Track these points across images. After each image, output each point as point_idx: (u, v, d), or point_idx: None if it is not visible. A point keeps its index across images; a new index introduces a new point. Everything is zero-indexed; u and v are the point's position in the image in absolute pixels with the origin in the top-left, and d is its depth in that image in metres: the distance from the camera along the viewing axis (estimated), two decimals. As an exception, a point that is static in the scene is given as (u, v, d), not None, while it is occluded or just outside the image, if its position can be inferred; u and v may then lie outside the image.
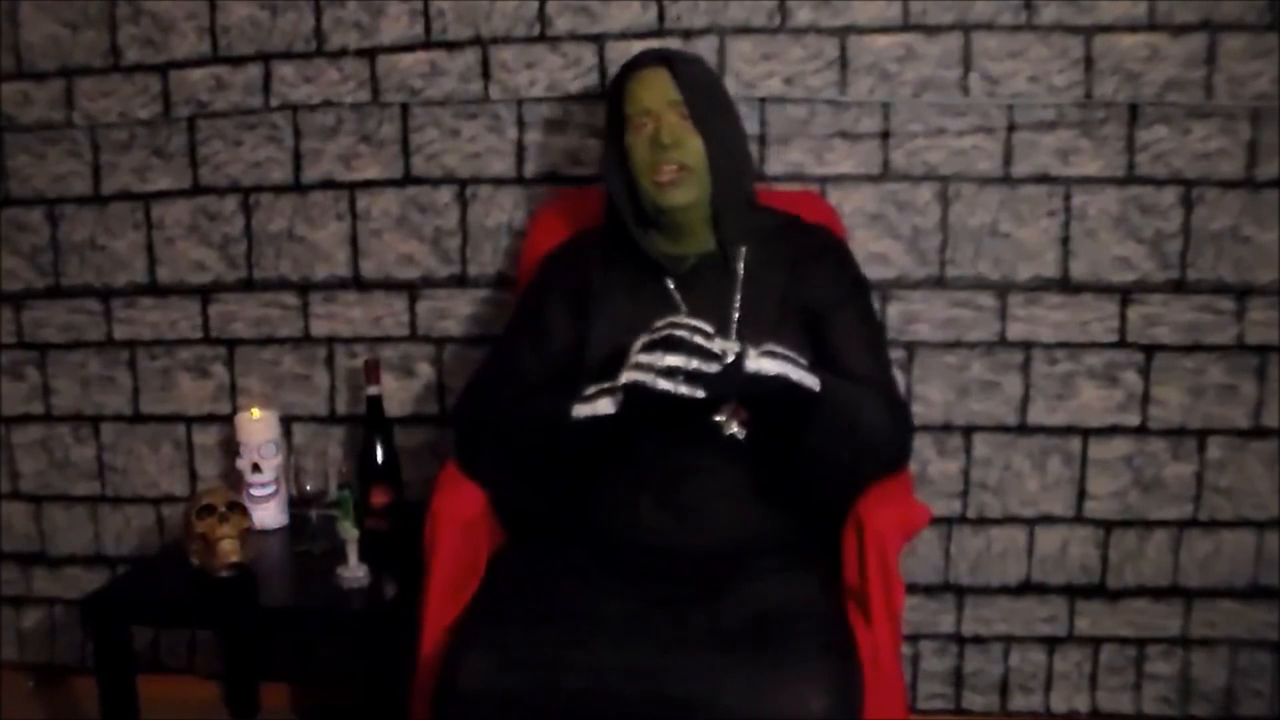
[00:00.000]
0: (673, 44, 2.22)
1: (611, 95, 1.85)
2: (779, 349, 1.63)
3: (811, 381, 1.63)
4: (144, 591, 2.09)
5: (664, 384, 1.58)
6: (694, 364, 1.57)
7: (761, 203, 1.95)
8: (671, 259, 1.85)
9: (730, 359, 1.58)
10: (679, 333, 1.59)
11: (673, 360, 1.57)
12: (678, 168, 1.78)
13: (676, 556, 1.72)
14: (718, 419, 1.73)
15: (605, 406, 1.66)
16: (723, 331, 1.77)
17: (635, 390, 1.61)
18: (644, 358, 1.60)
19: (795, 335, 1.79)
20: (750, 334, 1.77)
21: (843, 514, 1.78)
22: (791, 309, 1.83)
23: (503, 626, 1.61)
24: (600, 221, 1.94)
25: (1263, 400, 2.24)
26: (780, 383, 1.60)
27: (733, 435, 1.74)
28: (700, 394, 1.57)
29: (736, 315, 1.82)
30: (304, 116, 2.37)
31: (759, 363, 1.59)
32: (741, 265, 1.86)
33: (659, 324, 1.62)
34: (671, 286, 1.85)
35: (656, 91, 1.78)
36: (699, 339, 1.58)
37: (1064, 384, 2.27)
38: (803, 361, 1.64)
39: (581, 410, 1.68)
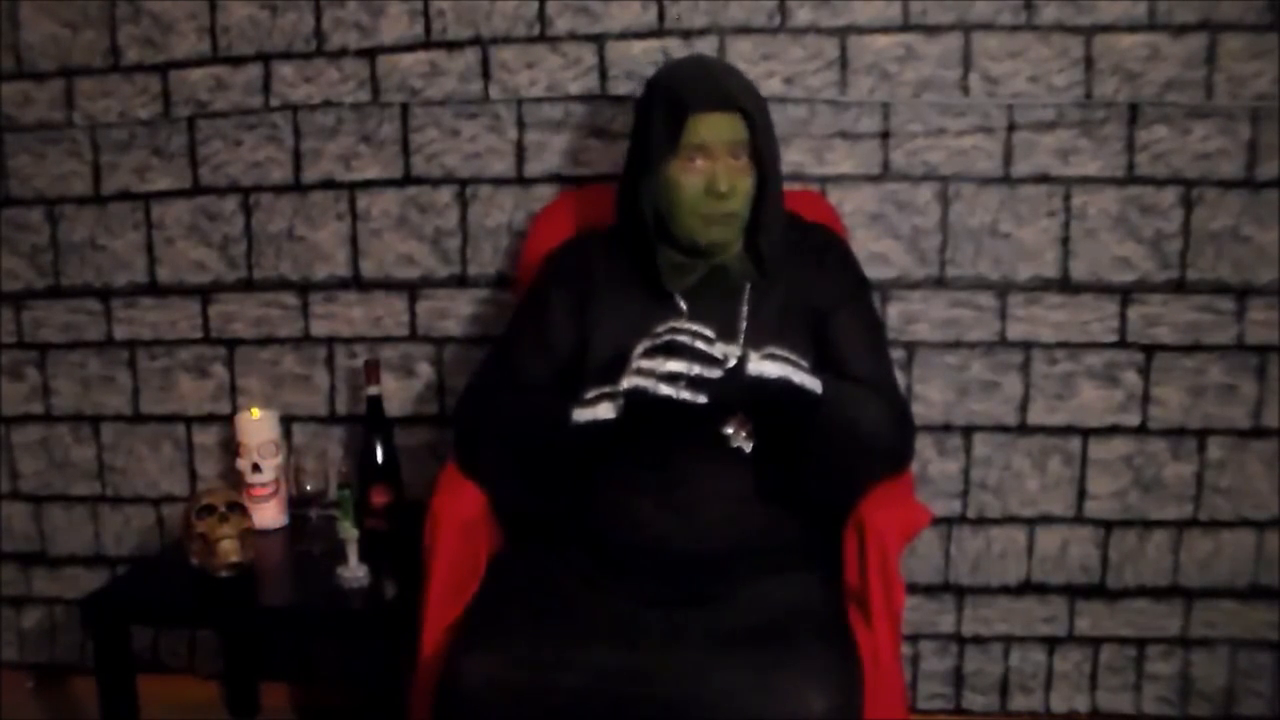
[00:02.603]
0: (673, 44, 2.22)
1: (662, 122, 1.75)
2: (780, 351, 1.63)
3: (814, 384, 1.63)
4: (144, 591, 2.09)
5: (665, 389, 1.57)
6: (695, 370, 1.57)
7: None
8: (681, 271, 1.84)
9: (732, 363, 1.58)
10: (681, 338, 1.58)
11: (674, 366, 1.57)
12: (729, 214, 1.76)
13: (677, 558, 1.72)
14: (725, 431, 1.73)
15: (605, 411, 1.66)
16: (729, 335, 1.76)
17: (636, 395, 1.60)
18: (645, 363, 1.60)
19: (798, 336, 1.79)
20: (753, 336, 1.77)
21: (843, 515, 1.78)
22: (794, 310, 1.83)
23: (503, 627, 1.61)
24: (605, 221, 1.94)
25: (1263, 400, 2.24)
26: (782, 386, 1.60)
27: (738, 446, 1.74)
28: (702, 399, 1.57)
29: (744, 325, 1.81)
30: (304, 116, 2.37)
31: (761, 366, 1.59)
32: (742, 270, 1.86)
33: (660, 329, 1.62)
34: (676, 294, 1.84)
35: (721, 135, 1.73)
36: (700, 344, 1.58)
37: (1064, 384, 2.27)
38: (804, 364, 1.64)
39: (582, 414, 1.68)
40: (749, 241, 1.84)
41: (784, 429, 1.67)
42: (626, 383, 1.61)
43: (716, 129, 1.73)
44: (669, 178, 1.76)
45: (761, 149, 1.76)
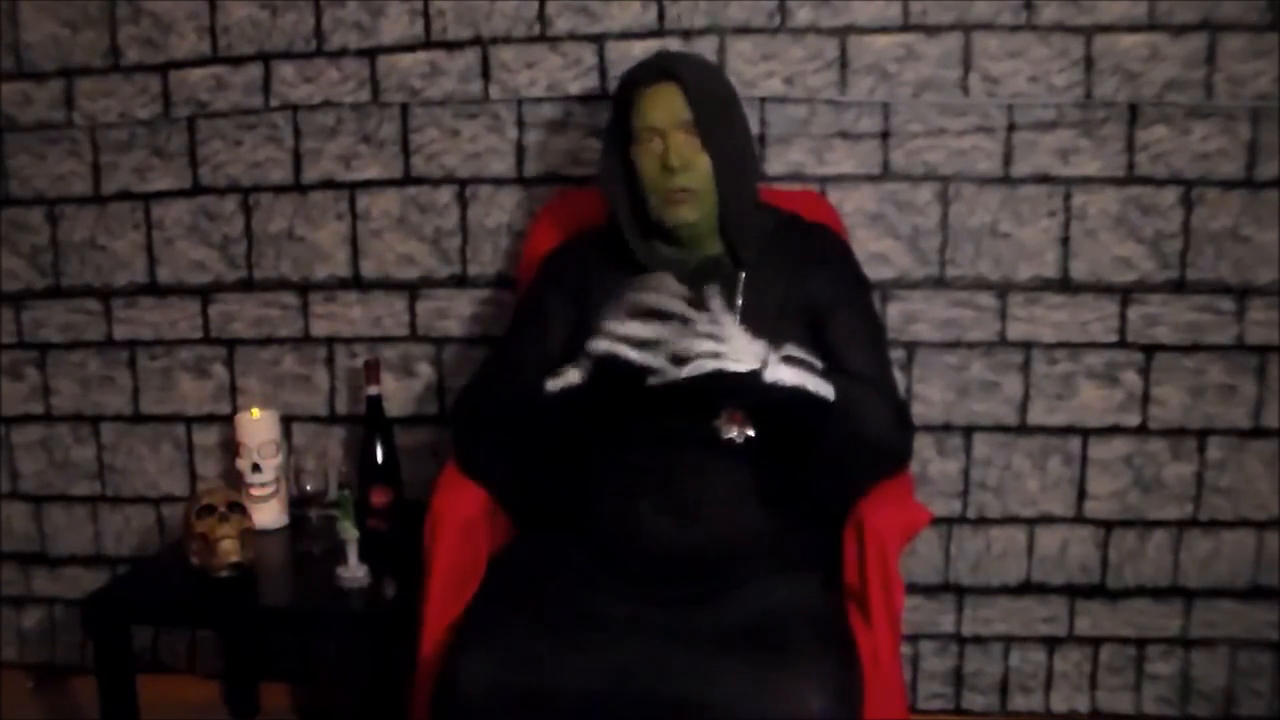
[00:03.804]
0: (673, 44, 2.22)
1: (617, 105, 1.83)
2: (798, 353, 1.62)
3: (827, 391, 1.62)
4: (144, 591, 2.09)
5: (634, 355, 1.57)
6: (665, 334, 1.55)
7: (762, 201, 1.95)
8: (673, 266, 1.84)
9: (753, 364, 1.56)
10: (656, 300, 1.57)
11: (648, 333, 1.56)
12: (685, 190, 1.77)
13: (676, 558, 1.72)
14: (716, 424, 1.73)
15: (573, 376, 1.67)
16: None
17: (600, 360, 1.60)
18: (620, 330, 1.59)
19: (795, 335, 1.78)
20: (750, 329, 1.77)
21: (843, 515, 1.78)
22: (792, 309, 1.83)
23: (503, 626, 1.61)
24: (601, 222, 1.94)
25: (1263, 400, 2.24)
26: (798, 395, 1.60)
27: (731, 439, 1.74)
28: (681, 373, 1.54)
29: (738, 315, 1.82)
30: (304, 116, 2.37)
31: (778, 372, 1.59)
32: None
33: (632, 291, 1.61)
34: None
35: (666, 110, 1.77)
36: (676, 307, 1.56)
37: (1064, 384, 2.27)
38: (819, 366, 1.64)
39: (554, 384, 1.68)
40: (728, 240, 1.85)
41: (787, 430, 1.67)
42: (594, 346, 1.60)
43: (662, 105, 1.77)
44: (633, 161, 1.81)
45: (706, 125, 1.77)
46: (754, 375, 1.57)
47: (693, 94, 1.77)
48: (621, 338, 1.58)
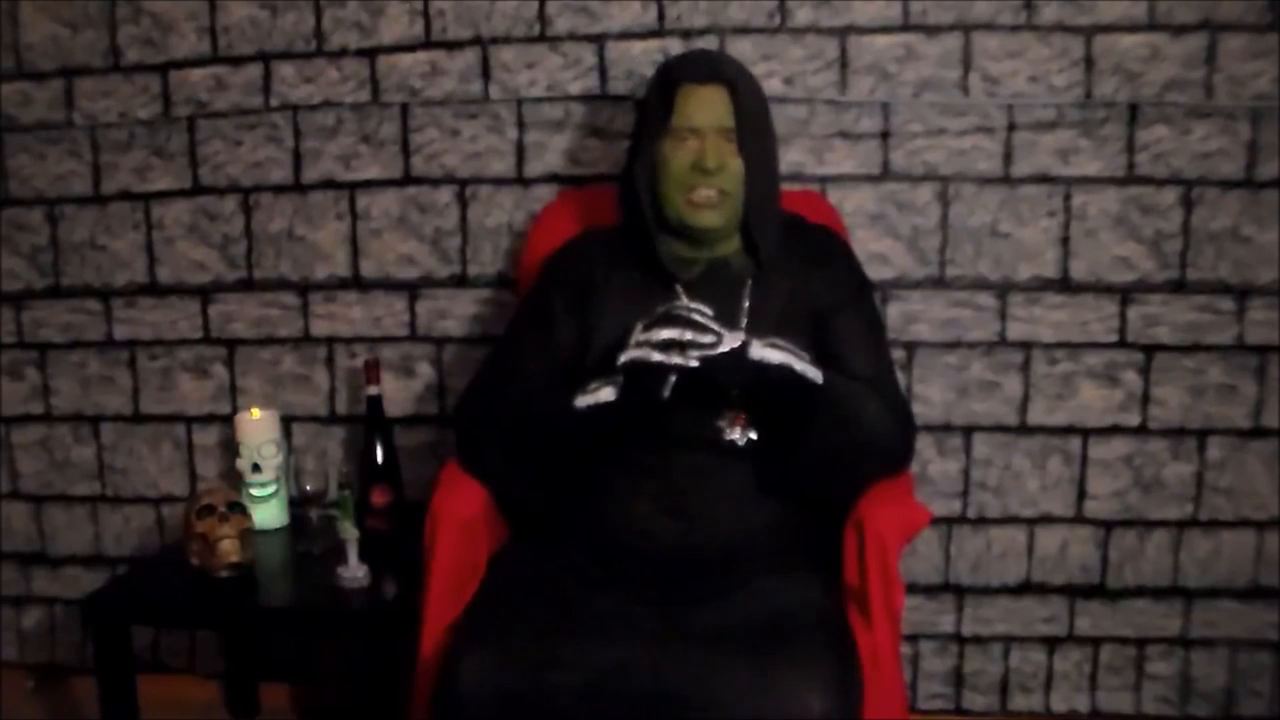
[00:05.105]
0: (673, 44, 2.22)
1: (656, 97, 1.81)
2: (782, 342, 1.65)
3: (814, 374, 1.64)
4: (144, 591, 2.09)
5: (658, 356, 1.60)
6: (689, 335, 1.59)
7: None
8: (683, 264, 1.85)
9: (736, 344, 1.61)
10: (677, 311, 1.62)
11: (668, 333, 1.60)
12: (716, 193, 1.78)
13: (676, 558, 1.72)
14: (719, 424, 1.73)
15: (607, 394, 1.68)
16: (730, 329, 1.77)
17: (635, 372, 1.62)
18: (641, 336, 1.63)
19: (800, 336, 1.79)
20: (754, 332, 1.78)
21: (843, 514, 1.78)
22: (797, 310, 1.83)
23: (503, 626, 1.61)
24: (605, 221, 1.94)
25: (1263, 400, 2.24)
26: (784, 373, 1.62)
27: (733, 441, 1.74)
28: (694, 363, 1.59)
29: (745, 321, 1.82)
30: (304, 116, 2.37)
31: (763, 351, 1.62)
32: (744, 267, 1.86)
33: (659, 309, 1.65)
34: (679, 289, 1.85)
35: (711, 112, 1.76)
36: (697, 317, 1.61)
37: (1064, 384, 2.27)
38: (805, 355, 1.66)
39: (584, 400, 1.69)
40: (747, 239, 1.85)
41: (783, 418, 1.68)
42: (624, 357, 1.63)
43: (705, 106, 1.76)
44: (660, 155, 1.79)
45: (747, 132, 1.78)
46: (741, 351, 1.61)
47: (740, 99, 1.77)
48: (642, 343, 1.62)
